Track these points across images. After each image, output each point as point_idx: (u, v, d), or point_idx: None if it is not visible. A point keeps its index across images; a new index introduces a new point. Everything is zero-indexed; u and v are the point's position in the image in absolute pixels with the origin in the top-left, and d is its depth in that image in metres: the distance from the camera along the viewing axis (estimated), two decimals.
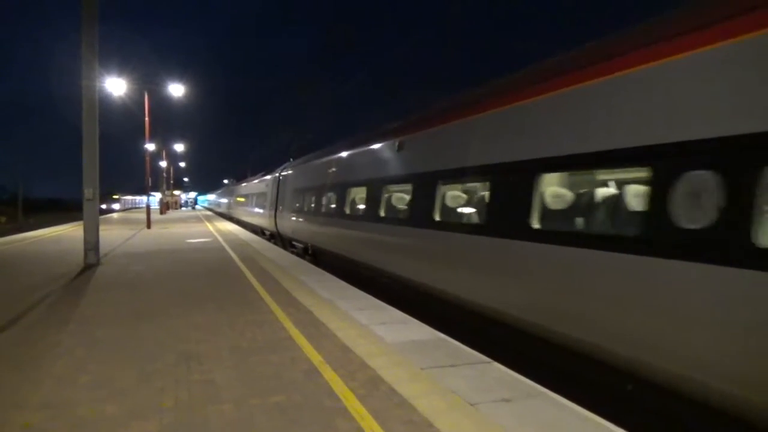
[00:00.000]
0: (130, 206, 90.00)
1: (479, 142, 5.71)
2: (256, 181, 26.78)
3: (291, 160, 19.47)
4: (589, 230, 4.60)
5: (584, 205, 4.76)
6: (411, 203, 7.37)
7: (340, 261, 10.66)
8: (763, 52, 2.96)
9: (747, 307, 2.85)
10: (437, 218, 6.48)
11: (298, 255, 13.55)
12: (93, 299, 7.16)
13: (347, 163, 11.00)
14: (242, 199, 31.19)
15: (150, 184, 29.69)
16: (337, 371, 4.10)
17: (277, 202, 18.47)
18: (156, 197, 47.34)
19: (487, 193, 5.58)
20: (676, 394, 3.32)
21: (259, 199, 23.53)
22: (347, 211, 10.32)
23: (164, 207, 46.94)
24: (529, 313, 4.64)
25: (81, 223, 11.34)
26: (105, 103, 18.79)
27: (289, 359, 4.43)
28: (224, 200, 47.45)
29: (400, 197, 8.26)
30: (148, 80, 23.25)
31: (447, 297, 6.10)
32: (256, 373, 4.08)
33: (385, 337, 5.06)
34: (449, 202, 6.63)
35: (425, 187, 6.83)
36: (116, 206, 78.30)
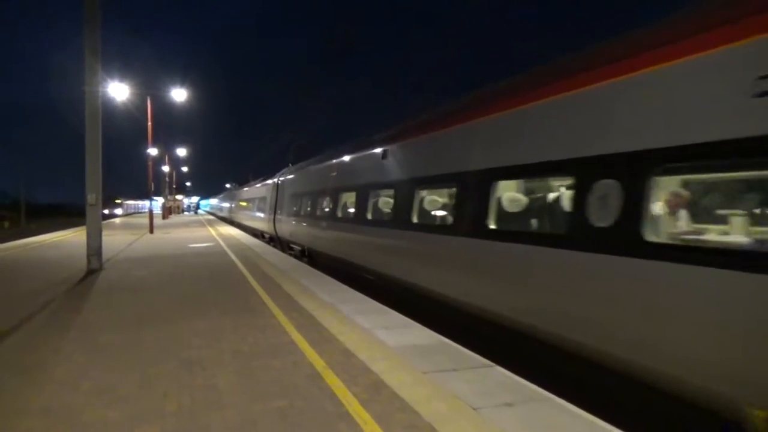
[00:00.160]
0: (132, 211, 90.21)
1: (443, 153, 6.62)
2: (255, 186, 27.44)
3: (290, 165, 19.78)
4: (527, 229, 5.37)
5: (525, 207, 5.62)
6: (393, 207, 8.00)
7: (333, 262, 11.06)
8: (609, 96, 3.91)
9: (641, 290, 3.49)
10: (415, 220, 7.13)
11: (296, 257, 13.79)
12: (95, 304, 7.18)
13: (337, 170, 11.60)
14: (243, 204, 31.80)
15: (152, 188, 29.81)
16: (340, 376, 4.10)
17: (275, 206, 19.03)
18: (158, 202, 47.42)
19: (453, 198, 6.36)
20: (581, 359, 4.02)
21: (258, 203, 24.10)
22: (338, 214, 10.89)
23: (167, 212, 47.00)
24: (488, 302, 5.30)
25: (83, 228, 11.38)
26: (107, 107, 18.87)
27: (292, 364, 4.43)
28: (226, 205, 47.77)
29: (385, 201, 8.78)
30: (149, 84, 23.51)
31: (424, 292, 6.60)
32: (258, 378, 4.08)
33: (387, 341, 5.06)
34: (425, 206, 7.30)
35: (404, 192, 7.51)
36: (119, 211, 78.41)
